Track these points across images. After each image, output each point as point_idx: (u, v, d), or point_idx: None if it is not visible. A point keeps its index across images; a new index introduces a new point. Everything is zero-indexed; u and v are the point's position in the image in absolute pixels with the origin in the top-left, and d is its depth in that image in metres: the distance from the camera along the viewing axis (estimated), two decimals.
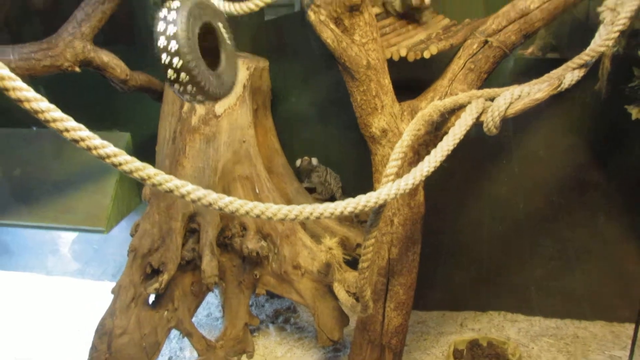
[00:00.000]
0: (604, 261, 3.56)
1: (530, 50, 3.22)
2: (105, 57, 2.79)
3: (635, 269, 3.53)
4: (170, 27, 1.79)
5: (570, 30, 3.11)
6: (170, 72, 1.83)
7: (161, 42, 1.79)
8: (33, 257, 4.58)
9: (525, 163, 3.48)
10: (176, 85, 1.87)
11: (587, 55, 2.26)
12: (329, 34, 2.38)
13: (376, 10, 2.90)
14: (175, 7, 1.81)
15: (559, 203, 3.51)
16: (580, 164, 3.42)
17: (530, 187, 3.53)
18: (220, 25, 2.04)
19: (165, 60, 1.81)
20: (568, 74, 2.29)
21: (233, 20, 2.21)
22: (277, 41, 3.63)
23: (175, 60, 1.80)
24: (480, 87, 2.59)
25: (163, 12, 1.81)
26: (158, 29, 1.80)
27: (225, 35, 2.06)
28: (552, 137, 3.41)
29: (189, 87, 1.88)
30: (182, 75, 1.83)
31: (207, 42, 1.98)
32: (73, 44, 2.63)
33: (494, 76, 2.67)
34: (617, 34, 2.21)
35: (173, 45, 1.78)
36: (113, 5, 2.68)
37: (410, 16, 2.94)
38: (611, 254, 3.55)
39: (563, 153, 3.42)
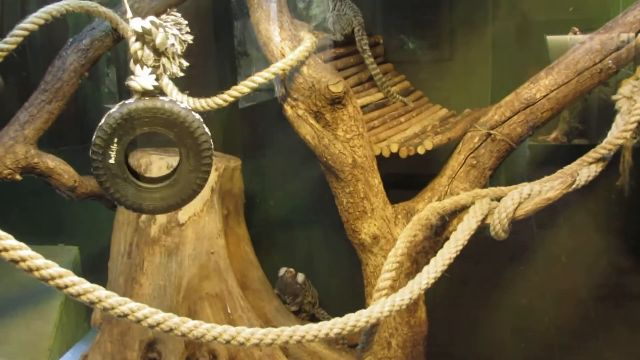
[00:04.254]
0: None
1: (553, 135, 3.33)
2: (51, 163, 2.85)
3: None
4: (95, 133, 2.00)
5: (600, 112, 3.22)
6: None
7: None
8: None
9: (549, 268, 3.53)
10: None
11: (603, 148, 2.38)
12: (308, 130, 2.50)
13: (363, 101, 3.04)
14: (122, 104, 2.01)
15: (592, 316, 3.53)
16: (612, 269, 3.46)
17: (556, 296, 3.55)
18: (187, 139, 2.15)
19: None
20: (584, 170, 2.39)
21: (200, 113, 2.32)
22: (253, 134, 3.74)
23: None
24: (484, 185, 2.69)
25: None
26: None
27: (193, 150, 2.16)
28: (577, 240, 3.47)
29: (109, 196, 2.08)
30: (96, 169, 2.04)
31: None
32: (14, 148, 2.69)
33: (510, 167, 2.76)
34: (635, 125, 2.34)
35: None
36: (61, 104, 2.77)
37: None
38: None
39: (590, 257, 3.47)
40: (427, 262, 2.13)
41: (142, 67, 2.02)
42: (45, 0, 2.41)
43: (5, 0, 3.73)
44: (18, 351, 3.59)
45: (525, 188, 2.36)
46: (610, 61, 2.50)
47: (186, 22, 2.27)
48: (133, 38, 1.99)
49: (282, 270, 3.69)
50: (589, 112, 3.26)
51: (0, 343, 3.61)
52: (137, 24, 1.97)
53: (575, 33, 2.95)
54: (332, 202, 2.73)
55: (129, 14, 2.20)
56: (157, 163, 3.16)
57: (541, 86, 2.59)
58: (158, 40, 2.01)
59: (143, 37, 1.99)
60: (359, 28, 3.15)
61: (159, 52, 2.06)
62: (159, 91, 2.09)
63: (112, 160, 2.04)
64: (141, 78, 2.01)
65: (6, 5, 3.73)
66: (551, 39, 3.18)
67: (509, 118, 2.62)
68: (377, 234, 2.62)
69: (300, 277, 3.68)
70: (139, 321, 1.53)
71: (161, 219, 3.23)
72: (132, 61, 2.02)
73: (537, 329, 3.60)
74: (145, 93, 2.04)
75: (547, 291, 3.56)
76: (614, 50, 2.50)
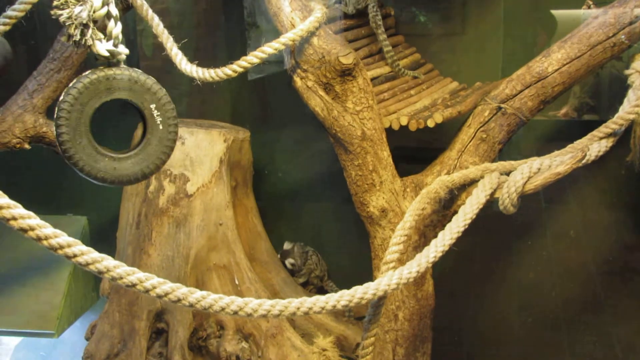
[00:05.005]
0: None
1: (563, 111, 3.32)
2: None
3: None
4: (62, 96, 2.00)
5: (610, 87, 3.22)
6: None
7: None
8: None
9: (557, 244, 3.53)
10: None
11: (614, 123, 2.36)
12: (317, 101, 2.49)
13: (373, 73, 3.03)
14: (83, 75, 2.01)
15: (599, 291, 3.54)
16: (621, 245, 3.47)
17: (563, 272, 3.56)
18: (152, 106, 2.14)
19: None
20: (594, 145, 2.38)
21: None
22: (262, 106, 3.74)
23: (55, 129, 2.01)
24: (494, 160, 2.68)
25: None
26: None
27: (158, 119, 2.16)
28: (586, 214, 3.47)
29: (69, 162, 2.09)
30: (61, 148, 2.04)
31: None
32: (23, 117, 2.71)
33: (519, 142, 2.75)
34: None
35: (57, 114, 1.99)
36: (70, 73, 2.77)
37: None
38: None
39: (599, 233, 3.47)
40: (435, 236, 2.13)
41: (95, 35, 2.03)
42: None
43: None
44: (27, 320, 3.63)
45: (535, 162, 2.36)
46: (623, 36, 2.47)
47: None
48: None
49: (287, 245, 3.69)
50: (600, 88, 3.24)
51: (9, 313, 3.64)
52: None
53: (589, 7, 2.91)
54: (341, 175, 2.73)
55: None
56: None
57: (553, 60, 2.57)
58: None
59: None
60: (373, 5, 3.08)
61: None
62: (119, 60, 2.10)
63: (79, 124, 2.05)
64: (100, 45, 2.02)
65: None
66: (557, 13, 3.17)
67: (520, 92, 2.61)
68: (385, 207, 2.62)
69: (306, 248, 3.68)
70: (147, 291, 1.54)
71: (169, 189, 3.25)
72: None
73: (544, 304, 3.61)
74: (116, 62, 2.06)
75: (554, 266, 3.57)
76: (627, 24, 2.48)
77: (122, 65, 2.09)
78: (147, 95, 2.10)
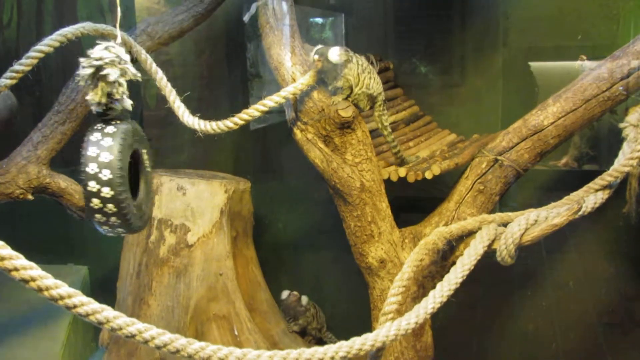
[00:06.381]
0: None
1: (564, 161, 3.35)
2: (63, 183, 2.89)
3: None
4: (105, 154, 1.94)
5: (610, 138, 3.23)
6: (95, 201, 1.96)
7: (91, 168, 1.93)
8: None
9: (557, 295, 3.53)
10: (98, 215, 2.01)
11: (610, 175, 2.39)
12: (316, 153, 2.53)
13: (372, 125, 3.07)
14: (111, 132, 1.98)
15: (600, 342, 3.52)
16: (621, 296, 3.46)
17: (564, 322, 3.55)
18: (144, 151, 2.19)
19: (92, 188, 1.94)
20: (590, 197, 2.41)
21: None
22: (263, 156, 3.78)
23: (106, 190, 1.94)
24: (492, 210, 2.71)
25: (96, 136, 1.97)
26: (89, 153, 1.94)
27: (147, 163, 2.20)
28: (585, 265, 3.48)
29: (113, 219, 2.02)
30: (110, 206, 1.97)
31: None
32: (27, 169, 2.74)
33: (518, 191, 2.78)
34: None
35: (105, 174, 1.93)
36: (74, 125, 2.82)
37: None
38: None
39: (599, 283, 3.47)
40: (434, 287, 2.14)
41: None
42: (61, 22, 2.45)
43: (21, 22, 3.80)
44: None
45: (531, 214, 2.38)
46: (621, 87, 2.52)
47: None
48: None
49: (285, 294, 3.68)
50: (600, 138, 3.27)
51: None
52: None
53: (583, 60, 2.98)
54: (340, 226, 2.75)
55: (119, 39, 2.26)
56: (168, 184, 3.20)
57: (549, 113, 2.61)
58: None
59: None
60: (380, 103, 2.70)
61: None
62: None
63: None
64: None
65: (22, 27, 3.80)
66: (535, 65, 3.24)
67: (517, 144, 2.65)
68: (384, 258, 2.64)
69: (304, 299, 3.68)
70: (146, 342, 1.55)
71: (170, 239, 3.27)
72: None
73: (545, 355, 3.59)
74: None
75: (554, 317, 3.56)
76: (621, 79, 2.52)
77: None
78: (143, 143, 2.16)
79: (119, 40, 2.19)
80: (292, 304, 3.66)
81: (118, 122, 2.02)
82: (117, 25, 2.25)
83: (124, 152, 1.98)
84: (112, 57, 1.95)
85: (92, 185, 1.94)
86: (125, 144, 2.00)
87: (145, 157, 2.20)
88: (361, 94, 2.53)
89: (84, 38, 2.41)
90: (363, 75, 2.53)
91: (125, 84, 1.99)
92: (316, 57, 2.45)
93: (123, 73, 1.98)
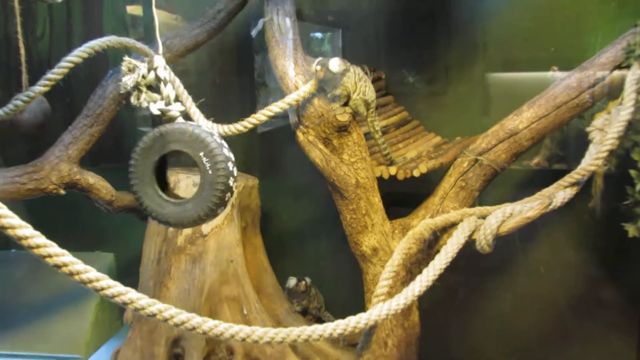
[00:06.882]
0: None
1: (536, 160, 3.34)
2: (91, 179, 2.90)
3: None
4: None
5: (577, 140, 3.24)
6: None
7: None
8: None
9: (529, 280, 3.54)
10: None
11: (577, 174, 2.40)
12: (317, 153, 2.53)
13: (366, 129, 3.07)
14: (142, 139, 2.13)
15: (567, 321, 3.53)
16: (586, 280, 3.47)
17: (536, 304, 3.56)
18: (201, 154, 2.16)
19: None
20: (560, 193, 2.41)
21: (223, 136, 2.36)
22: (269, 156, 3.78)
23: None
24: (472, 205, 2.71)
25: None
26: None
27: (207, 165, 2.18)
28: (555, 254, 3.48)
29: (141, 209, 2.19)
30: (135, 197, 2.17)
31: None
32: (59, 166, 2.76)
33: (496, 188, 2.78)
34: (606, 154, 2.36)
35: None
36: (101, 128, 2.84)
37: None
38: None
39: (566, 269, 3.48)
40: (420, 272, 2.15)
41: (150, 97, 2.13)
42: (88, 36, 2.46)
43: (52, 36, 3.80)
44: (58, 346, 3.61)
45: (507, 208, 2.38)
46: (587, 95, 2.52)
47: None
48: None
49: (293, 282, 3.68)
50: (569, 140, 3.27)
51: (42, 338, 3.63)
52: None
53: (554, 71, 2.98)
54: (338, 218, 2.75)
55: (160, 49, 2.26)
56: (185, 181, 3.20)
57: (524, 118, 2.62)
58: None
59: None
60: (372, 111, 2.68)
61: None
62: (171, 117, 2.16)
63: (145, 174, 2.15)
64: (152, 106, 2.11)
65: (53, 40, 3.80)
66: (510, 75, 3.25)
67: (495, 146, 2.65)
68: (376, 247, 2.64)
69: (307, 281, 3.68)
70: (165, 320, 1.56)
71: (187, 230, 3.27)
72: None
73: (518, 332, 3.60)
74: (170, 118, 2.12)
75: (527, 299, 3.56)
76: (588, 87, 2.53)
77: (179, 120, 2.15)
78: (195, 144, 2.13)
79: (160, 50, 2.24)
80: (298, 289, 3.67)
81: (160, 126, 2.16)
82: (157, 36, 2.31)
83: (141, 152, 2.16)
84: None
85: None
86: (145, 146, 2.14)
87: (204, 159, 2.14)
88: (358, 100, 2.53)
89: (110, 50, 2.42)
90: (360, 83, 2.53)
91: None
92: (318, 67, 2.45)
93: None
